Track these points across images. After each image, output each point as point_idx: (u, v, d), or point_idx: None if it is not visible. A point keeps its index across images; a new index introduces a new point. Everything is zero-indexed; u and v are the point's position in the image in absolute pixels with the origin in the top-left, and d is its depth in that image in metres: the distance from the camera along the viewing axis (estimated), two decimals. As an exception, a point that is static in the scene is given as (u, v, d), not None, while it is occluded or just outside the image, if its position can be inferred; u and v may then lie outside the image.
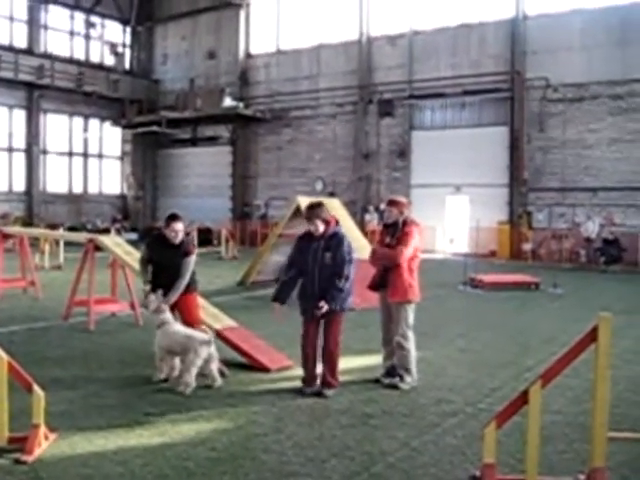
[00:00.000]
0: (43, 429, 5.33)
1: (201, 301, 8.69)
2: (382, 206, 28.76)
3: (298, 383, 7.26)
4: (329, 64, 31.91)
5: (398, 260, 7.27)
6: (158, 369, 7.36)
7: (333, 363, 7.05)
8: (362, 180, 30.62)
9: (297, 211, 14.72)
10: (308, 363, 7.13)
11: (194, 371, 6.98)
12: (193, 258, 7.62)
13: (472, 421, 6.20)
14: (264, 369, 7.86)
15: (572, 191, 25.81)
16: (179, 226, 7.45)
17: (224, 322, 8.60)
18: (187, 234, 7.99)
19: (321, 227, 6.89)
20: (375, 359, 8.15)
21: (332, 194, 28.37)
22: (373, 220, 28.59)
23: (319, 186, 31.49)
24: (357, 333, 10.07)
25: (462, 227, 27.24)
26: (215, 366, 7.29)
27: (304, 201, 14.91)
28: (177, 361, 7.26)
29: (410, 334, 7.43)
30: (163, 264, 7.49)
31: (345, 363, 7.61)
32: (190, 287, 7.65)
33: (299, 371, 7.82)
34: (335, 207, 15.70)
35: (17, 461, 5.04)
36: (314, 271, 6.86)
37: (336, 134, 31.69)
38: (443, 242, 26.87)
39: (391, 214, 7.57)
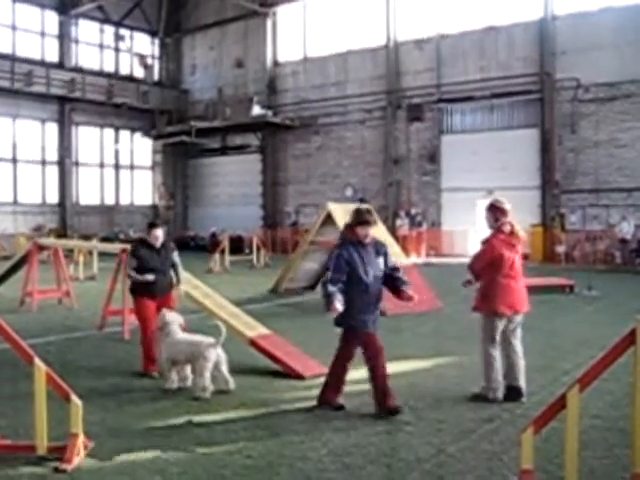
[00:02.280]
0: (82, 438, 5.39)
1: (234, 309, 8.73)
2: (413, 211, 28.98)
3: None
4: (356, 70, 31.93)
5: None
6: (168, 380, 7.45)
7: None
8: (392, 185, 30.56)
9: (328, 218, 14.73)
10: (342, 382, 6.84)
11: (207, 374, 7.07)
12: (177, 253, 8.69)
13: (509, 427, 6.13)
14: (298, 376, 7.85)
15: (606, 192, 25.50)
16: (159, 232, 8.40)
17: (257, 330, 8.62)
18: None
19: (372, 232, 6.57)
20: (407, 365, 8.11)
21: (362, 200, 28.28)
22: (404, 225, 28.52)
23: (349, 192, 31.49)
24: (389, 339, 10.01)
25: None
26: (225, 368, 7.30)
27: (335, 208, 14.94)
28: (188, 370, 7.42)
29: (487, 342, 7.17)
30: (152, 267, 8.23)
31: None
32: (172, 283, 8.54)
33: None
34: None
35: (57, 470, 5.10)
36: (369, 279, 6.45)
37: (365, 140, 31.68)
38: (475, 246, 26.63)
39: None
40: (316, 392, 7.30)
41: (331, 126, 32.79)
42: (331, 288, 6.32)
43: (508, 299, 7.00)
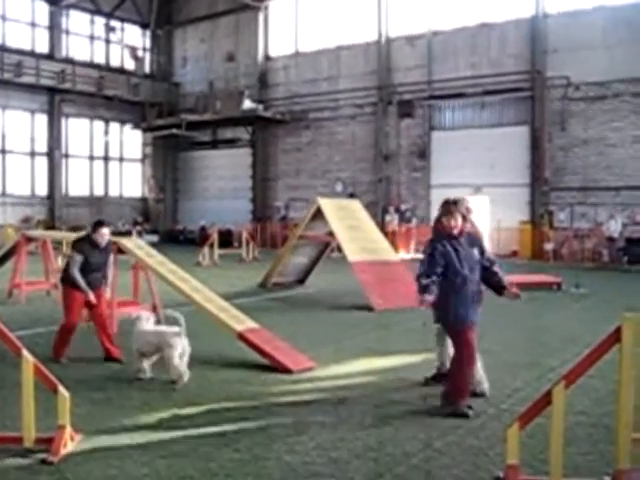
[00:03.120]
0: (69, 430, 5.39)
1: (223, 303, 8.73)
2: (402, 207, 29.05)
3: (320, 384, 7.30)
4: (348, 65, 31.93)
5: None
6: (140, 370, 7.60)
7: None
8: (382, 181, 30.61)
9: (318, 212, 14.75)
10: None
11: (177, 361, 7.26)
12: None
13: (495, 422, 6.17)
14: (286, 371, 7.86)
15: (594, 190, 25.62)
16: (105, 230, 8.47)
17: (246, 324, 8.63)
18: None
19: (460, 222, 6.49)
20: (396, 360, 8.15)
21: (352, 195, 28.38)
22: (393, 221, 28.58)
23: (339, 187, 31.52)
24: (378, 334, 10.08)
25: (483, 227, 27.03)
26: (186, 359, 7.38)
27: (324, 202, 14.97)
28: (146, 365, 7.60)
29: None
30: (92, 264, 8.41)
31: (366, 364, 7.61)
32: (104, 282, 8.74)
33: (321, 372, 7.88)
34: (356, 209, 15.70)
35: (43, 461, 5.10)
36: (465, 271, 6.38)
37: (356, 135, 31.70)
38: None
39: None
40: (304, 386, 7.36)
41: (322, 121, 32.78)
42: (424, 281, 6.30)
43: None
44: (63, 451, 5.24)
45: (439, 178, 29.17)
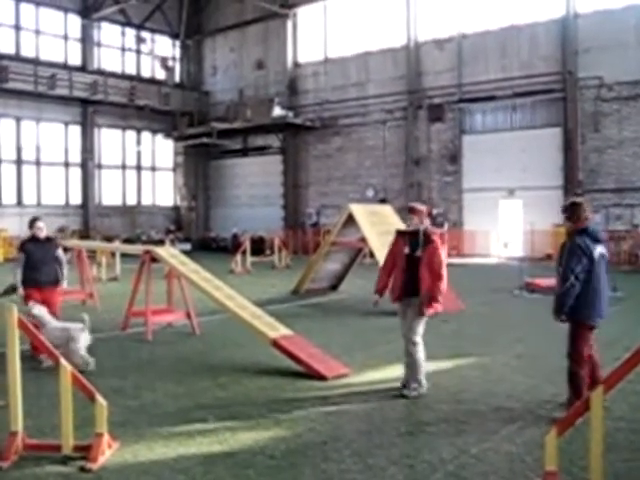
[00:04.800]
0: (106, 438, 5.44)
1: (256, 310, 8.75)
2: (434, 211, 28.90)
3: (354, 390, 7.28)
4: (377, 71, 31.89)
5: (443, 286, 7.15)
6: (88, 363, 8.38)
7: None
8: (413, 186, 30.49)
9: (350, 219, 14.73)
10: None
11: (82, 350, 8.29)
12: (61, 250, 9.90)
13: (532, 428, 6.09)
14: (321, 377, 7.85)
15: (630, 191, 25.26)
16: (40, 224, 9.60)
17: (280, 331, 8.64)
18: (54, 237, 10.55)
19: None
20: (429, 366, 8.08)
21: (383, 200, 28.29)
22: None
23: (370, 193, 31.47)
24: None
25: (516, 231, 26.87)
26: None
27: (356, 209, 14.94)
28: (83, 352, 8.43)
29: (420, 341, 7.30)
30: (39, 258, 9.39)
31: (400, 370, 7.56)
32: (58, 280, 9.59)
33: (355, 379, 7.85)
34: (388, 214, 15.65)
35: (82, 469, 5.15)
36: (601, 266, 6.49)
37: (386, 140, 31.63)
38: (497, 246, 26.56)
39: (412, 222, 7.32)
40: (339, 392, 7.34)
41: (352, 127, 32.77)
42: (574, 282, 6.37)
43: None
44: (101, 459, 5.29)
45: (471, 182, 28.99)
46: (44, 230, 9.65)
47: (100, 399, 5.38)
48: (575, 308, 6.44)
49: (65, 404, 5.33)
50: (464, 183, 29.38)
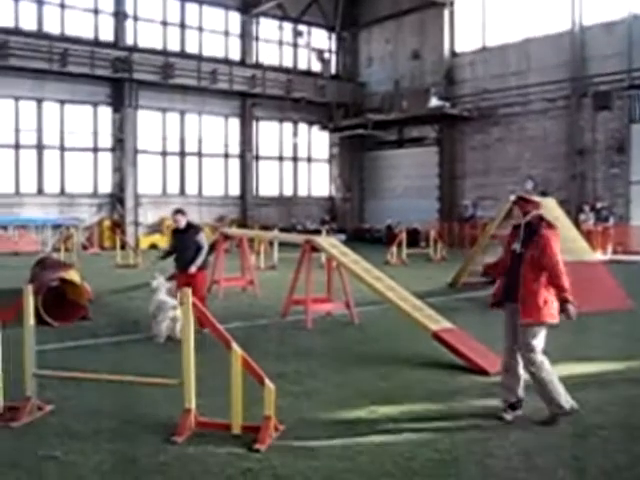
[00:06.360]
0: (274, 421, 5.58)
1: (417, 302, 8.69)
2: (598, 205, 27.52)
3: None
4: (538, 58, 30.67)
5: (561, 276, 6.08)
6: (158, 335, 9.57)
7: None
8: (576, 178, 29.15)
9: (509, 211, 14.30)
10: None
11: (163, 325, 9.45)
12: (203, 235, 10.60)
13: None
14: (483, 372, 7.67)
15: None
16: (177, 216, 10.50)
17: (441, 323, 8.54)
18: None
19: None
20: (596, 367, 7.74)
21: (544, 193, 27.21)
22: (588, 220, 27.10)
23: (529, 185, 30.34)
24: (576, 338, 9.57)
25: None
26: (179, 326, 8.58)
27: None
28: (164, 326, 9.53)
29: (540, 359, 6.17)
30: (178, 245, 10.51)
31: (565, 369, 7.25)
32: (204, 265, 10.46)
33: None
34: (551, 206, 15.05)
35: (250, 449, 5.33)
36: None
37: (547, 131, 30.41)
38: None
39: (520, 213, 6.43)
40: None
41: (511, 117, 31.77)
42: None
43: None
44: (269, 440, 5.43)
45: (640, 174, 27.31)
46: (182, 220, 10.49)
47: (269, 383, 5.54)
48: None
49: (236, 386, 5.55)
50: (632, 175, 27.66)
